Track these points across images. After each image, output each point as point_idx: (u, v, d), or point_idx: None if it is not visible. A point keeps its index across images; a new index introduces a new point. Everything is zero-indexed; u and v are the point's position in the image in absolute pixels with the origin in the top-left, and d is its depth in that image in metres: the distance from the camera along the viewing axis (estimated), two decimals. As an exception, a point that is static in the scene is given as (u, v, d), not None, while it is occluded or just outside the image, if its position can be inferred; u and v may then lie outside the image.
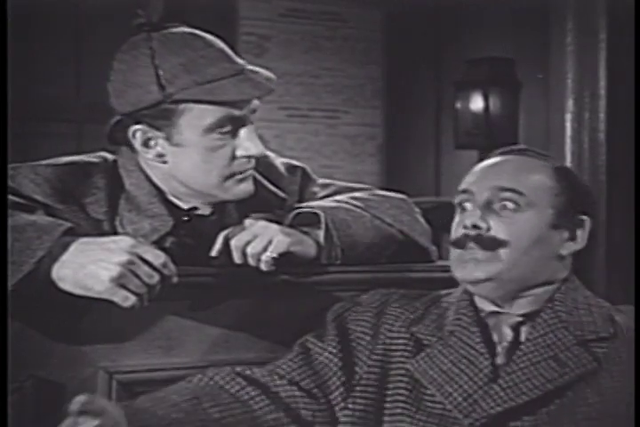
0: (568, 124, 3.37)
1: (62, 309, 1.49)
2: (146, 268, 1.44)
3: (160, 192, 1.71)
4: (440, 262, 1.80)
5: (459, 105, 5.28)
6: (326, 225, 1.66)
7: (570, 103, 3.36)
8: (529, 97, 5.06)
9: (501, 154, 1.56)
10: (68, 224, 1.47)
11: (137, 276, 1.43)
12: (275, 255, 1.59)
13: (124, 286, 1.42)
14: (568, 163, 3.32)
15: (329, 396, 1.52)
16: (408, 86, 5.50)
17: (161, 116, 1.63)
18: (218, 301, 1.61)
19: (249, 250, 1.60)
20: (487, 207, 1.48)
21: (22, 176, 1.64)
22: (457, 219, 1.53)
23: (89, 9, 4.72)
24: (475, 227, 1.47)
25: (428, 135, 5.59)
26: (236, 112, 1.63)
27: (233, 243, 1.61)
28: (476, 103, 5.22)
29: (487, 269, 1.46)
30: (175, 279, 1.47)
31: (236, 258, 1.61)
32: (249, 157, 1.67)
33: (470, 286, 1.50)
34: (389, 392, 1.50)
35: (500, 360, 1.46)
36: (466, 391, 1.43)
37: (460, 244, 1.48)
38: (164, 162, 1.68)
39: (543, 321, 1.47)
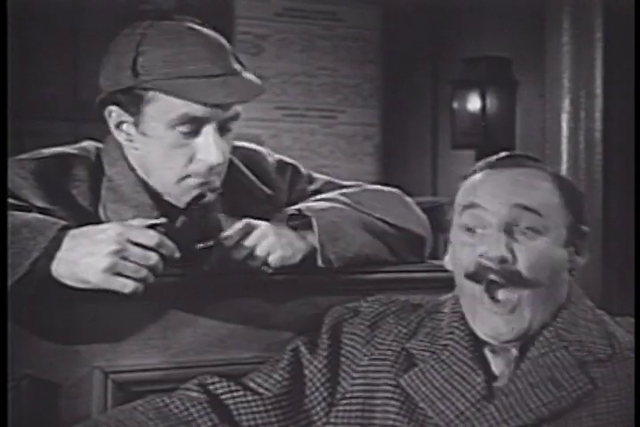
0: (564, 124, 3.38)
1: (58, 308, 1.49)
2: (139, 251, 1.43)
3: (145, 182, 1.70)
4: (436, 262, 1.80)
5: (456, 104, 5.28)
6: (319, 230, 1.65)
7: (566, 103, 3.36)
8: (526, 96, 5.07)
9: (492, 167, 1.44)
10: (63, 222, 1.47)
11: (132, 261, 1.43)
12: (270, 271, 1.60)
13: (119, 274, 1.42)
14: (564, 162, 3.33)
15: (311, 411, 1.52)
16: (405, 86, 5.50)
17: (132, 101, 1.64)
18: (214, 300, 1.61)
19: (248, 262, 1.60)
20: (508, 232, 1.36)
21: (10, 171, 1.64)
22: (464, 240, 1.40)
23: (87, 8, 4.72)
24: (502, 261, 1.35)
25: (425, 135, 5.60)
26: (199, 113, 1.62)
27: (233, 254, 1.59)
28: (473, 103, 5.23)
29: (512, 327, 1.37)
30: (177, 254, 1.46)
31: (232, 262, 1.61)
32: (208, 165, 1.65)
33: (504, 344, 1.40)
34: (378, 402, 1.47)
35: (498, 382, 1.41)
36: (458, 409, 1.39)
37: (479, 277, 1.37)
38: (136, 149, 1.69)
39: (545, 339, 1.41)
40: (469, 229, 1.41)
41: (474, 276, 1.38)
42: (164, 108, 1.63)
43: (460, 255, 1.41)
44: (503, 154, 1.47)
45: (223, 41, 1.70)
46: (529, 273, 1.36)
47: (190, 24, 1.68)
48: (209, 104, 1.61)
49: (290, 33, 5.25)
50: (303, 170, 1.92)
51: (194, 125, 1.63)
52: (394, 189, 1.88)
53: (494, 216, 1.38)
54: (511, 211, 1.37)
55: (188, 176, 1.67)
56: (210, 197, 1.69)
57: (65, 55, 4.75)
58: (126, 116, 1.67)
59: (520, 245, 1.36)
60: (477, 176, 1.44)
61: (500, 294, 1.38)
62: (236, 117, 1.67)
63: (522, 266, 1.36)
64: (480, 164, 1.47)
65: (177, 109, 1.62)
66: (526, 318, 1.38)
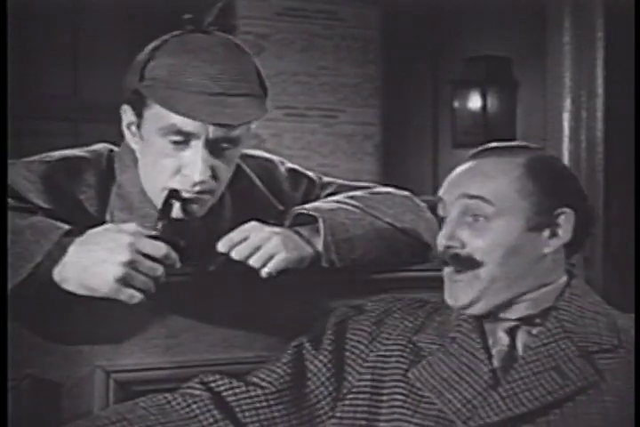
0: (565, 123, 3.38)
1: (59, 308, 1.49)
2: (149, 263, 1.43)
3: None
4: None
5: (456, 104, 5.29)
6: (324, 231, 1.64)
7: (567, 102, 3.36)
8: (526, 96, 5.07)
9: (473, 157, 1.52)
10: (67, 226, 1.46)
11: (142, 272, 1.42)
12: (274, 274, 1.59)
13: (129, 285, 1.42)
14: (565, 162, 3.32)
15: (316, 405, 1.52)
16: (405, 85, 5.50)
17: (137, 103, 1.64)
18: (216, 300, 1.61)
19: (250, 262, 1.59)
20: (459, 220, 1.47)
21: (15, 174, 1.63)
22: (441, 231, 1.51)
23: (87, 8, 4.72)
24: (448, 247, 1.46)
25: (426, 134, 5.60)
26: (188, 127, 1.60)
27: (234, 254, 1.59)
28: (474, 102, 5.23)
29: (468, 292, 1.46)
30: (178, 265, 1.47)
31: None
32: (192, 182, 1.63)
33: (463, 310, 1.49)
34: (384, 398, 1.49)
35: (495, 365, 1.45)
36: (465, 398, 1.42)
37: (441, 259, 1.48)
38: (138, 152, 1.68)
39: (547, 330, 1.44)
40: (442, 219, 1.51)
41: (439, 257, 1.49)
42: (156, 114, 1.62)
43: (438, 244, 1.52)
44: (490, 145, 1.54)
45: (249, 64, 1.67)
46: (479, 256, 1.45)
47: (219, 41, 1.66)
48: (197, 120, 1.59)
49: (290, 32, 5.25)
50: (316, 178, 1.90)
51: (183, 138, 1.62)
52: (405, 193, 1.87)
53: (450, 206, 1.49)
54: (460, 200, 1.47)
55: None
56: (201, 209, 1.67)
57: (65, 55, 4.75)
58: (134, 117, 1.67)
59: (471, 230, 1.46)
60: (455, 170, 1.53)
61: (459, 274, 1.47)
62: (232, 141, 1.65)
63: (472, 250, 1.46)
64: (468, 156, 1.55)
65: (166, 119, 1.61)
66: (478, 290, 1.46)
